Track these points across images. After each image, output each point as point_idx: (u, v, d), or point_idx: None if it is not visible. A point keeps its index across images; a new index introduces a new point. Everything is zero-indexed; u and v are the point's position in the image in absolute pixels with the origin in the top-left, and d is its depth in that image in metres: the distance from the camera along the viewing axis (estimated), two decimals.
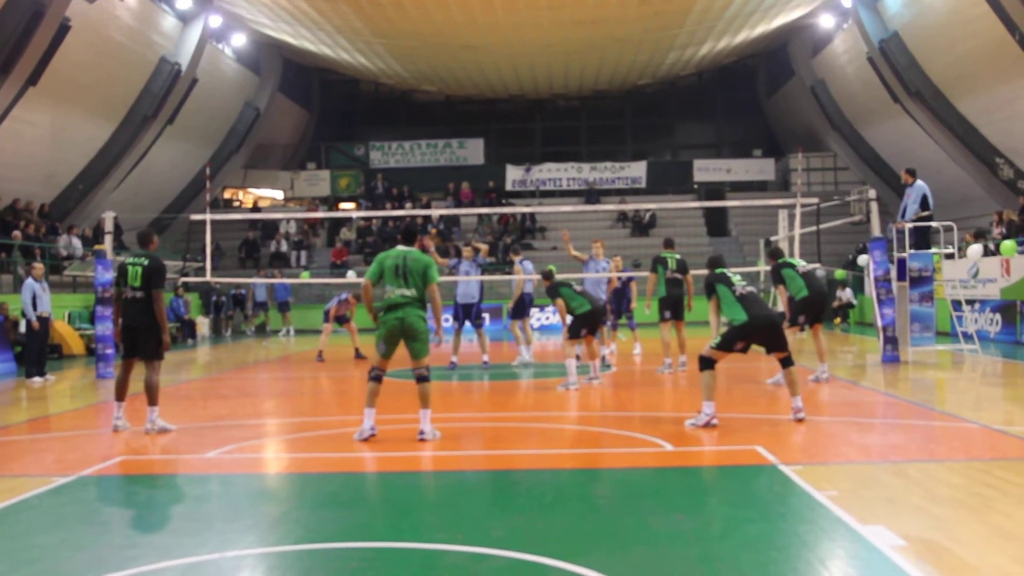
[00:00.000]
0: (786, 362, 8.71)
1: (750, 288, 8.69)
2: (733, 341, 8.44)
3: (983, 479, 6.13)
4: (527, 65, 33.23)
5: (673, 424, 8.89)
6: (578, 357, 12.20)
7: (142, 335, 8.71)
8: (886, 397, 10.79)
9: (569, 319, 11.90)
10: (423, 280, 8.08)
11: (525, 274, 15.56)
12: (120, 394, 8.90)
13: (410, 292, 8.01)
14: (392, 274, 8.08)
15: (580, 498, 6.28)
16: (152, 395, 8.71)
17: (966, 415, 9.02)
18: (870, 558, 4.62)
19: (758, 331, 8.48)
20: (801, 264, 11.83)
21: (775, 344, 8.62)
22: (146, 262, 8.75)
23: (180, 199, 31.35)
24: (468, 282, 15.23)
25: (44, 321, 14.69)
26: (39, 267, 14.89)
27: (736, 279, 8.75)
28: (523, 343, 15.41)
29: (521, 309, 15.59)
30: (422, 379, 8.09)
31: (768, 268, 12.61)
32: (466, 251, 15.76)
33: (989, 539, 4.85)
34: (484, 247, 16.77)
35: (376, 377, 8.11)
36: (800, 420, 8.51)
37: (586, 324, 11.71)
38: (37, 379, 14.31)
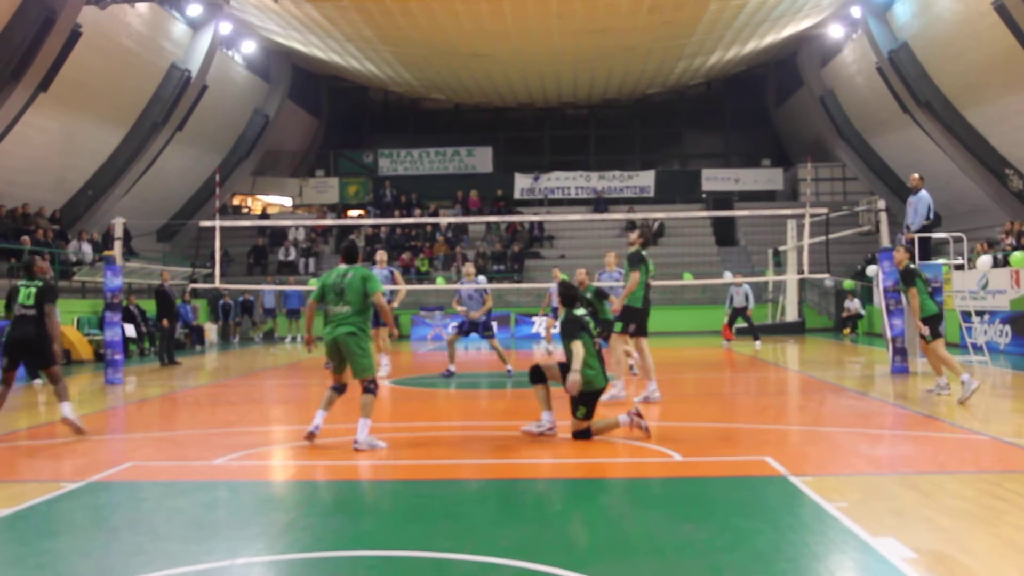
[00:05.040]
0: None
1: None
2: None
3: (993, 491, 6.10)
4: (536, 74, 33.27)
5: (682, 434, 8.88)
6: None
7: (34, 348, 9.15)
8: (895, 408, 10.75)
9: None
10: (362, 295, 8.22)
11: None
12: None
13: (344, 309, 8.22)
14: (332, 293, 8.32)
15: (588, 508, 6.26)
16: (61, 393, 9.15)
17: (976, 427, 8.97)
18: (881, 570, 4.59)
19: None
20: (925, 278, 11.32)
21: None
22: (40, 283, 9.27)
23: (189, 205, 31.46)
24: (471, 301, 15.25)
25: None
26: None
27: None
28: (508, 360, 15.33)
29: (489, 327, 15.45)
30: (366, 390, 8.24)
31: (773, 277, 12.50)
32: (467, 272, 15.86)
33: (1000, 552, 4.82)
34: (470, 270, 16.43)
35: (336, 388, 8.49)
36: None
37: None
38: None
